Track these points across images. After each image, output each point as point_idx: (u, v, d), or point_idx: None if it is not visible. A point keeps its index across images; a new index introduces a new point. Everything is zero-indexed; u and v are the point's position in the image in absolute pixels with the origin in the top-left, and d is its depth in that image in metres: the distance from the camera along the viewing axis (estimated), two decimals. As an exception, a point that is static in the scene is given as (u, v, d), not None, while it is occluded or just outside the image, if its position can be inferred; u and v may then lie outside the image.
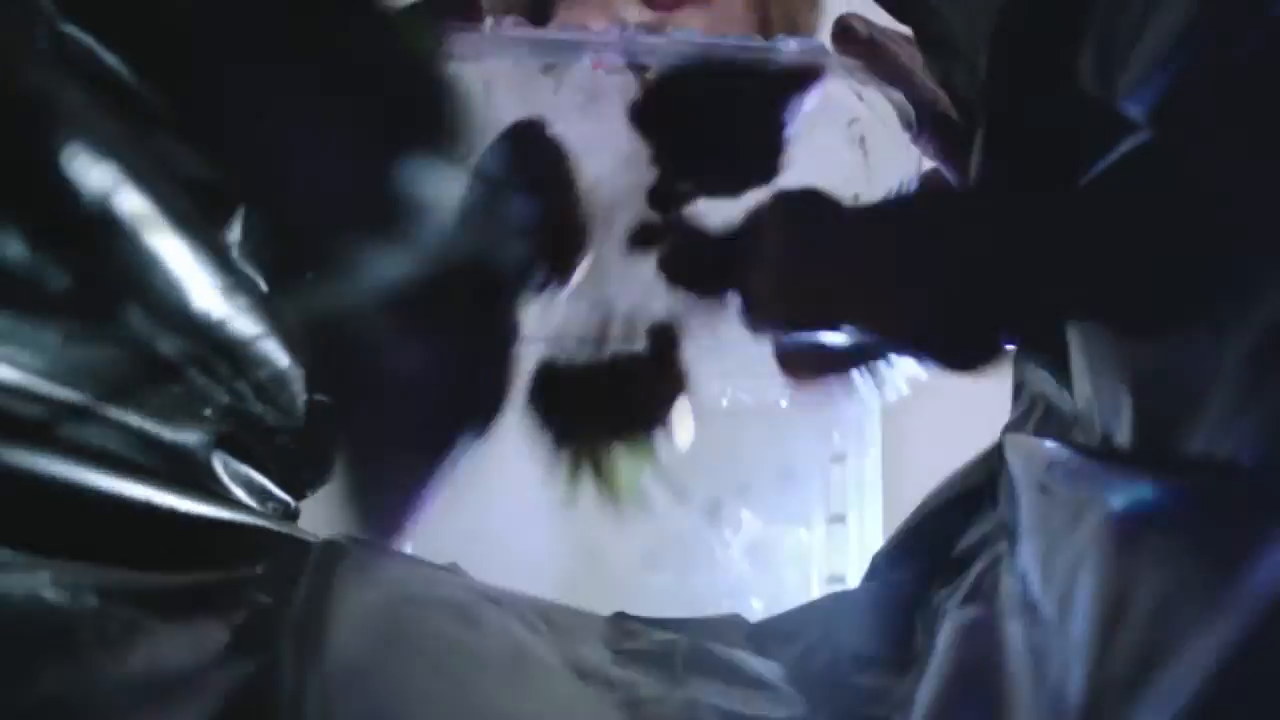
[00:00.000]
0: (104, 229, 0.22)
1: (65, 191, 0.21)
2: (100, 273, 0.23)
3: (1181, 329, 0.21)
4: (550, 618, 0.38)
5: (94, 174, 0.21)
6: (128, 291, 0.24)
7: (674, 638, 0.40)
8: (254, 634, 0.28)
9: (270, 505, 0.31)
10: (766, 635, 0.42)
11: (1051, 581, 0.26)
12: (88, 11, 0.24)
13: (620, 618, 0.41)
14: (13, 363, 0.22)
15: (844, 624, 0.40)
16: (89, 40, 0.23)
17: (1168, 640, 0.16)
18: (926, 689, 0.30)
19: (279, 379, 0.30)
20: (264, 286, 0.29)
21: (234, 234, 0.28)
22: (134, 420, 0.27)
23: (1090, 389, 0.27)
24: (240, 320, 0.27)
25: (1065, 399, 0.30)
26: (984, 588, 0.31)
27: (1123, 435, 0.23)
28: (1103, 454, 0.24)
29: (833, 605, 0.42)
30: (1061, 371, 0.30)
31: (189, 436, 0.29)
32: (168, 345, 0.26)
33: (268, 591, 0.29)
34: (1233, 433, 0.18)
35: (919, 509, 0.39)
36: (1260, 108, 0.21)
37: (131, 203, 0.22)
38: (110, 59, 0.24)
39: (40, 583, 0.23)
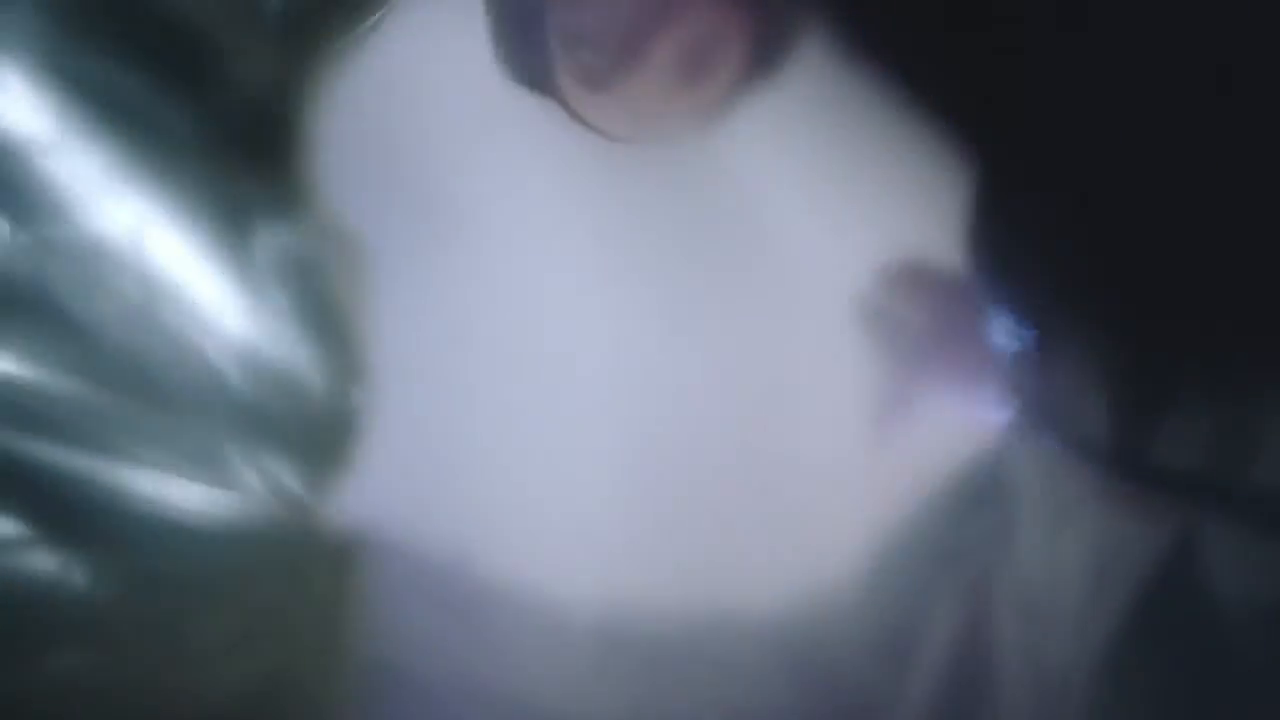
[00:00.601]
0: (134, 260, 0.23)
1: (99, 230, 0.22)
2: (131, 294, 0.24)
3: (1154, 348, 0.23)
4: (550, 613, 0.38)
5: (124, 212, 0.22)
6: (155, 311, 0.25)
7: (668, 630, 0.41)
8: (270, 627, 0.29)
9: (286, 500, 0.32)
10: (761, 627, 0.43)
11: (1042, 578, 0.27)
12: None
13: (617, 612, 0.42)
14: (41, 364, 0.23)
15: (839, 617, 0.41)
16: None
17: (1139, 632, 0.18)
18: (923, 684, 0.31)
19: (298, 388, 0.31)
20: (289, 296, 0.30)
21: (262, 247, 0.29)
22: (152, 415, 0.28)
23: (1079, 391, 0.28)
24: (262, 336, 0.28)
25: (1058, 400, 0.31)
26: (981, 584, 0.32)
27: (1102, 436, 0.24)
28: (1086, 456, 0.26)
29: (829, 598, 0.43)
30: (1055, 374, 0.31)
31: (205, 431, 0.29)
32: (191, 360, 0.27)
33: (283, 585, 0.30)
34: (1189, 442, 0.20)
35: (918, 505, 0.40)
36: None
37: (160, 236, 0.23)
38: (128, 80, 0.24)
39: (67, 566, 0.23)
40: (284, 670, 0.29)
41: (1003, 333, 0.34)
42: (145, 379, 0.27)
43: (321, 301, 0.32)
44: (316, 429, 0.33)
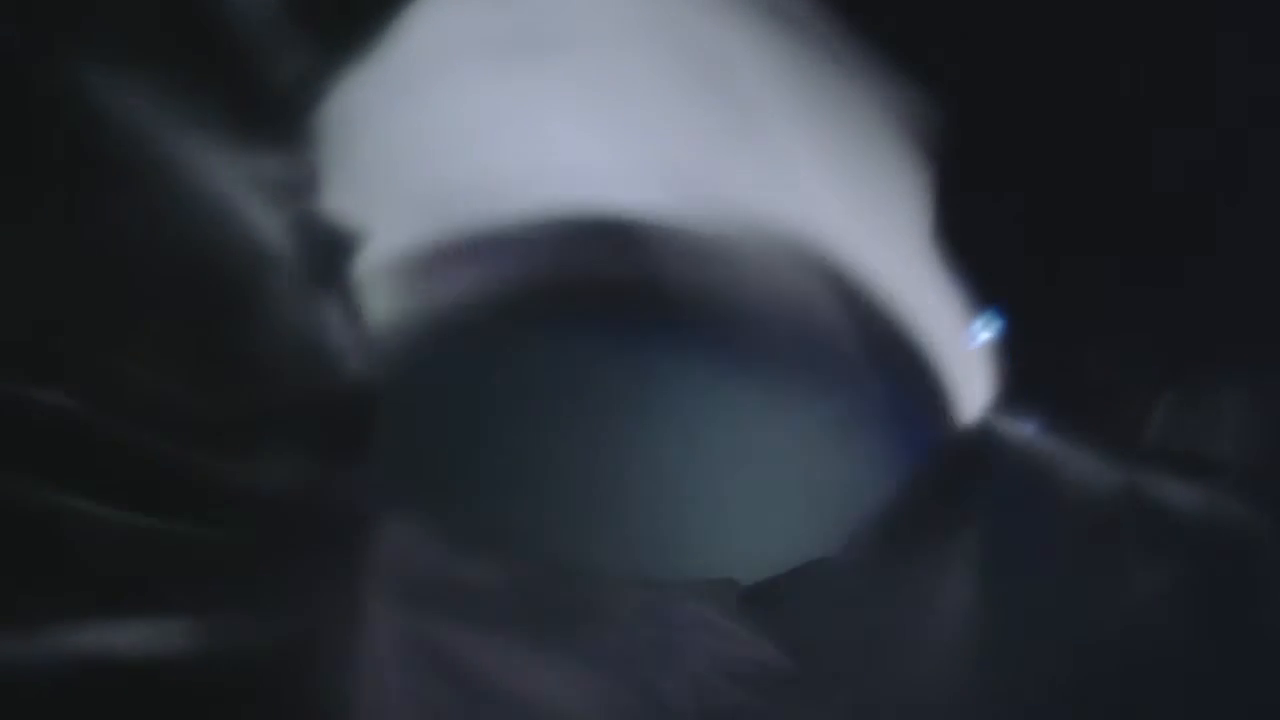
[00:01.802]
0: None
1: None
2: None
3: (1129, 335, 0.25)
4: (559, 591, 0.40)
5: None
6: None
7: (672, 605, 0.43)
8: (296, 598, 0.30)
9: (310, 482, 0.33)
10: (756, 598, 0.45)
11: (1019, 547, 0.29)
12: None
13: (625, 585, 0.43)
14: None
15: (830, 589, 0.42)
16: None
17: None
18: (909, 650, 0.33)
19: (330, 364, 0.32)
20: (330, 276, 0.31)
21: (283, 233, 0.30)
22: (187, 402, 0.29)
23: (1054, 375, 0.30)
24: (300, 312, 0.30)
25: (1037, 384, 0.33)
26: (962, 553, 0.34)
27: (1075, 421, 0.26)
28: (1061, 435, 0.28)
29: (820, 570, 0.45)
30: (1034, 359, 0.33)
31: (233, 416, 0.31)
32: (234, 334, 0.28)
33: (308, 561, 0.31)
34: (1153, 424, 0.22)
35: (904, 481, 0.41)
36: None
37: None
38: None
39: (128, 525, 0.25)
40: (305, 637, 0.30)
41: (981, 320, 0.35)
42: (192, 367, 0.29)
43: (338, 287, 0.34)
44: (334, 412, 0.34)
